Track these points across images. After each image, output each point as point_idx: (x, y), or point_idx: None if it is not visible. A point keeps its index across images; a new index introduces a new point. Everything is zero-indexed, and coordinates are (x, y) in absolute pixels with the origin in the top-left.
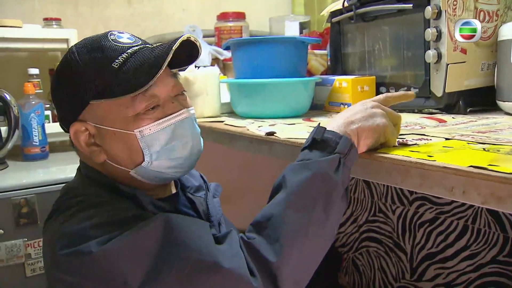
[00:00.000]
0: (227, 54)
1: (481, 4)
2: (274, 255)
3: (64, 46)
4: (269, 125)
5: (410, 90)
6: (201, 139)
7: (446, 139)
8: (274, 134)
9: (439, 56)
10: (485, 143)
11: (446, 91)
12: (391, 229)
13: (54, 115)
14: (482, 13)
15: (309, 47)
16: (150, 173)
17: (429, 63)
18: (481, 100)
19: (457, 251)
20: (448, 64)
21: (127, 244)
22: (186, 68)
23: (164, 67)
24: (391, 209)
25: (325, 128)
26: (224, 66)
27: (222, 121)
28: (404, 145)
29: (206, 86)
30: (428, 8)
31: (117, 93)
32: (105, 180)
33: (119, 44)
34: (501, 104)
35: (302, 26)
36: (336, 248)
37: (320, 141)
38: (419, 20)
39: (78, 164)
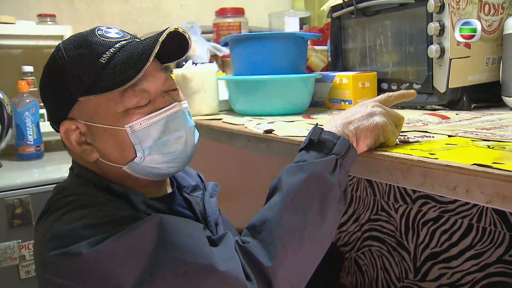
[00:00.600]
0: (226, 51)
1: None
2: (269, 259)
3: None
4: (268, 123)
5: (412, 86)
6: (196, 133)
7: (449, 136)
8: (273, 132)
9: (442, 51)
10: (489, 140)
11: (450, 86)
12: (394, 228)
13: None
14: (487, 6)
15: (309, 42)
16: (143, 169)
17: (432, 58)
18: (486, 96)
19: (461, 250)
20: (452, 59)
21: (119, 246)
22: (176, 60)
23: (151, 60)
24: (394, 208)
25: (322, 129)
26: (223, 63)
27: (220, 119)
28: (405, 142)
29: (204, 83)
30: (431, 2)
31: (105, 89)
32: (97, 180)
33: (106, 39)
34: (506, 99)
35: (302, 21)
36: (338, 248)
37: (317, 142)
38: (421, 14)
39: (72, 166)
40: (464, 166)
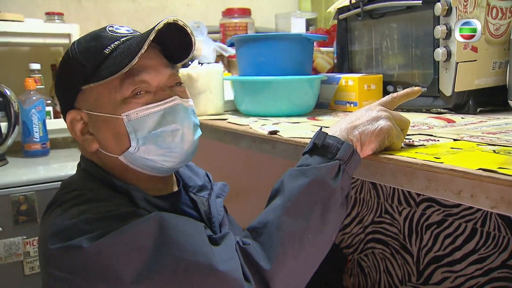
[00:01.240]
0: (232, 51)
1: (494, 1)
2: (268, 262)
3: (66, 41)
4: (273, 124)
5: None
6: (198, 132)
7: (455, 140)
8: (277, 133)
9: (449, 54)
10: (495, 145)
11: (456, 90)
12: (397, 230)
13: (55, 111)
14: (494, 9)
15: (315, 44)
16: (138, 160)
17: (438, 62)
18: (492, 100)
19: (465, 254)
20: (458, 63)
21: (120, 241)
22: (184, 61)
23: (145, 46)
24: (398, 210)
25: (327, 133)
26: (228, 63)
27: (225, 119)
28: (410, 146)
29: (210, 83)
30: (438, 5)
31: (103, 76)
32: (101, 175)
33: (115, 34)
34: None
35: (309, 23)
36: (341, 249)
37: (321, 147)
38: (428, 17)
39: (79, 161)
40: (469, 170)
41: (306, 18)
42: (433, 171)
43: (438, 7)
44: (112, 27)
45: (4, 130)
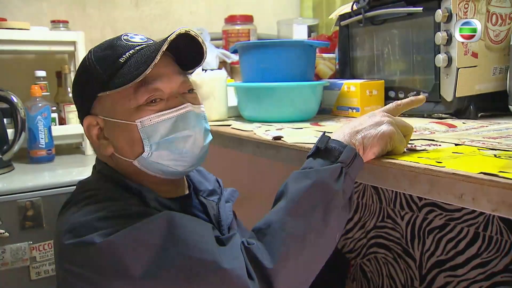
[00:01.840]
0: (235, 58)
1: (494, 7)
2: (271, 261)
3: (71, 48)
4: (276, 129)
5: (419, 95)
6: (209, 137)
7: (456, 144)
8: (281, 139)
9: (450, 60)
10: (496, 149)
11: (457, 95)
12: (399, 235)
13: (60, 117)
14: (494, 16)
15: (317, 50)
16: (152, 164)
17: (439, 67)
18: (493, 105)
19: (467, 258)
20: (459, 68)
21: (130, 238)
22: (196, 68)
23: (158, 57)
24: (400, 215)
25: (329, 137)
26: (231, 70)
27: (229, 125)
28: (412, 150)
29: (213, 90)
30: (439, 11)
31: (118, 84)
32: (115, 176)
33: (129, 43)
34: None
35: (311, 29)
36: (344, 254)
37: (324, 150)
38: (429, 23)
39: (84, 167)
40: (470, 174)
41: (308, 24)
42: (435, 175)
43: (439, 14)
44: (127, 35)
45: (10, 137)
